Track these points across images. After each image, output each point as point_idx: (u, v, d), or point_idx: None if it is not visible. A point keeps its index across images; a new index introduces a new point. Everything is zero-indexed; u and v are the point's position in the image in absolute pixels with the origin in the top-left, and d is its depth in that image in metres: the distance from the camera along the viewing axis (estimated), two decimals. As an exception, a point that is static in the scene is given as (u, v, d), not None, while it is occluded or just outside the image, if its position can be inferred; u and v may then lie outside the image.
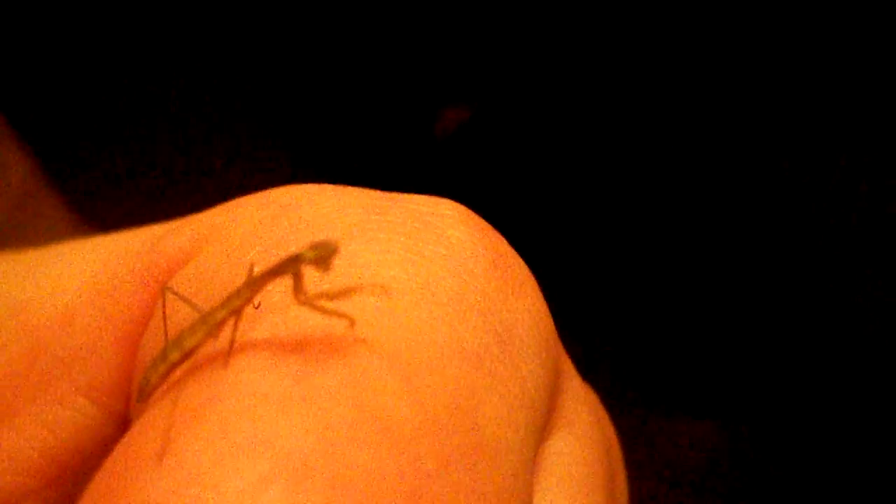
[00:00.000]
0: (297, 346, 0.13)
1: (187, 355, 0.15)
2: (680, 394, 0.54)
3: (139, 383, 0.15)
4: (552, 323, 0.19)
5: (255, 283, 0.15)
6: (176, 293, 0.17)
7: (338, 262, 0.14)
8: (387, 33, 0.54)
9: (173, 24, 0.53)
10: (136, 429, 0.14)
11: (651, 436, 0.54)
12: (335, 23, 0.53)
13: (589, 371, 0.24)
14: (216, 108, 0.58)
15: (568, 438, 0.19)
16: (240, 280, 0.15)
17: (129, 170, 0.61)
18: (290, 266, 0.15)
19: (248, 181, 0.63)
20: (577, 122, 0.53)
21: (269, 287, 0.15)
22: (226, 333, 0.15)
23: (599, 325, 0.55)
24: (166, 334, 0.17)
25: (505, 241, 0.18)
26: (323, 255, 0.14)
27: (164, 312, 0.18)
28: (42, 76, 0.57)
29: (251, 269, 0.15)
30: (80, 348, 0.20)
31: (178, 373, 0.15)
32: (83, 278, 0.22)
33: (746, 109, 0.49)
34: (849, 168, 0.49)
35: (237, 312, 0.15)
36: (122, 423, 0.20)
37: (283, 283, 0.15)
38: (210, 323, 0.15)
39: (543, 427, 0.17)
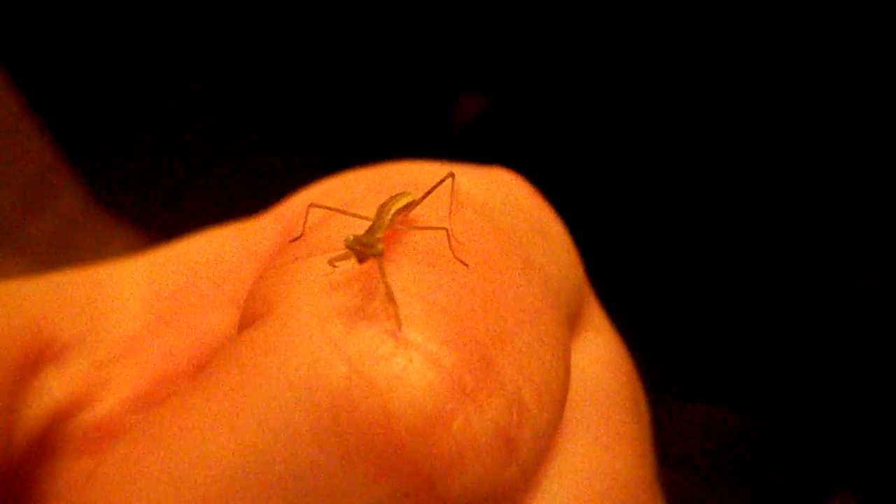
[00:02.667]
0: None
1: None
2: (696, 380, 0.54)
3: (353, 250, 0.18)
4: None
5: (391, 203, 0.20)
6: (320, 206, 0.20)
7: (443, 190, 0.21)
8: (407, 23, 0.55)
9: (190, 18, 0.56)
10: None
11: (667, 421, 0.50)
12: (356, 12, 0.55)
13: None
14: (238, 102, 0.59)
15: (598, 338, 0.22)
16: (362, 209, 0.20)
17: (141, 154, 0.61)
18: (402, 199, 0.20)
19: (269, 168, 0.63)
20: (596, 110, 0.55)
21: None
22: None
23: (616, 311, 0.51)
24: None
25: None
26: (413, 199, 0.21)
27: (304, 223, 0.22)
28: (63, 64, 0.59)
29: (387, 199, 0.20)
30: (230, 272, 0.25)
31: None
32: (233, 230, 0.27)
33: (767, 91, 0.49)
34: (857, 164, 0.49)
35: (403, 212, 0.20)
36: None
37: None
38: (381, 222, 0.19)
39: (577, 315, 0.22)
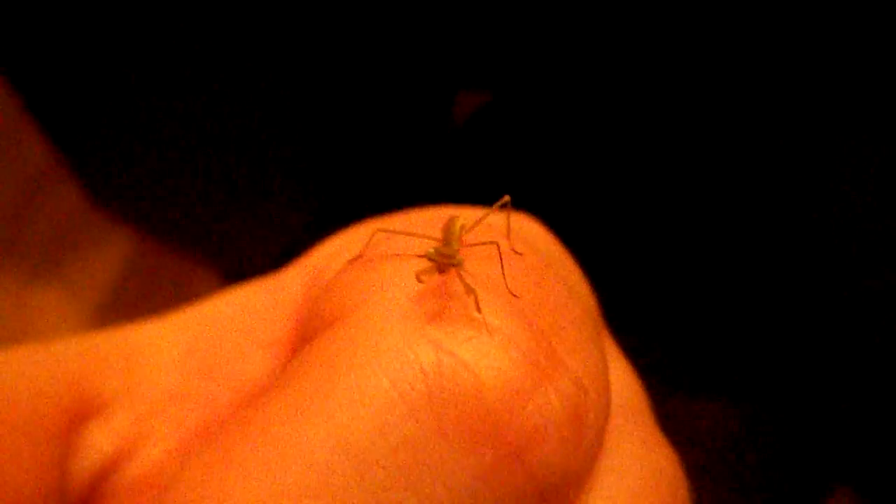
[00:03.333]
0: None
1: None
2: (698, 375, 0.54)
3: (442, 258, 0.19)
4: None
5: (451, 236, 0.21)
6: (388, 230, 0.21)
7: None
8: (406, 18, 0.55)
9: (185, 16, 0.56)
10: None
11: (669, 417, 0.49)
12: (353, 7, 0.55)
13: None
14: (235, 100, 0.59)
15: (614, 363, 0.22)
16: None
17: (139, 153, 0.61)
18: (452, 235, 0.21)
19: (268, 167, 0.62)
20: (595, 106, 0.55)
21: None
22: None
23: (618, 308, 0.51)
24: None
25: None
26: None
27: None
28: (61, 64, 0.59)
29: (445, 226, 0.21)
30: (260, 321, 0.25)
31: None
32: (258, 284, 0.29)
33: (768, 86, 0.49)
34: (852, 160, 0.49)
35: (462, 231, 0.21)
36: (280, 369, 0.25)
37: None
38: (453, 236, 0.20)
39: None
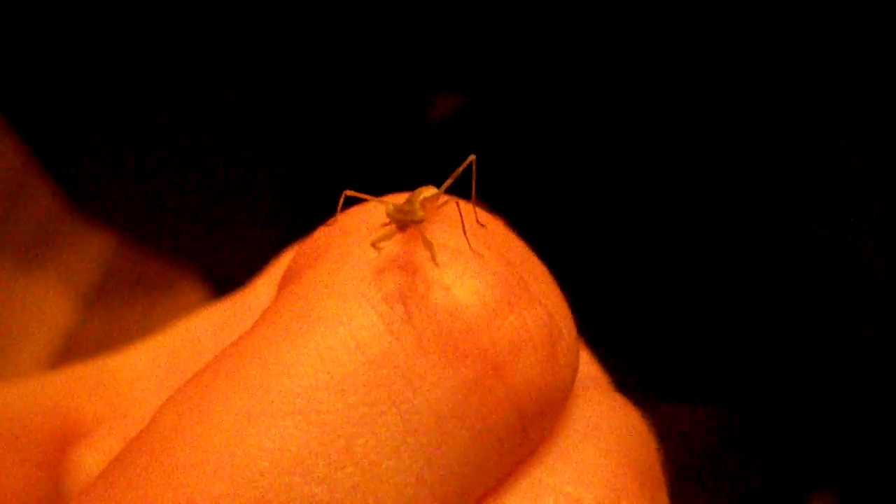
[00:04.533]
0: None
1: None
2: (675, 379, 0.54)
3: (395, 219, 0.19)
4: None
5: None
6: (355, 193, 0.20)
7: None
8: (381, 20, 0.55)
9: (161, 16, 0.56)
10: None
11: (653, 422, 0.49)
12: (329, 9, 0.55)
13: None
14: (208, 98, 0.58)
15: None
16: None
17: (117, 156, 0.61)
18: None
19: (243, 166, 0.62)
20: (571, 109, 0.54)
21: None
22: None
23: (599, 313, 0.51)
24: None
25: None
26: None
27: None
28: (37, 66, 0.59)
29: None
30: (233, 334, 0.24)
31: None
32: (230, 300, 0.29)
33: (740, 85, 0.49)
34: (846, 162, 0.49)
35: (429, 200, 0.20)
36: None
37: None
38: (416, 196, 0.20)
39: None
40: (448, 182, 0.21)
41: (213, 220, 0.65)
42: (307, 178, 0.61)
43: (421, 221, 0.19)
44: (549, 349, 0.18)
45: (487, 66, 0.56)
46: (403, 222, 0.19)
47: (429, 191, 0.21)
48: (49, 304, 0.70)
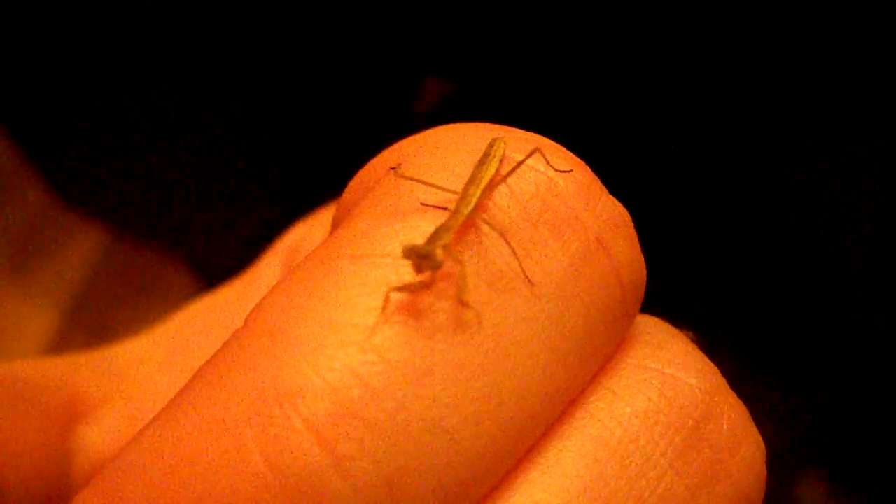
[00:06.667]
0: None
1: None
2: None
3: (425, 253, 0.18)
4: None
5: (483, 168, 0.20)
6: (402, 175, 0.20)
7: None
8: (370, 6, 0.55)
9: (147, 9, 0.55)
10: None
11: None
12: None
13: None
14: (197, 90, 0.58)
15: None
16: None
17: (105, 150, 0.61)
18: (496, 154, 0.21)
19: (227, 161, 0.62)
20: (560, 98, 0.54)
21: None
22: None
23: None
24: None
25: None
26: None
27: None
28: (27, 62, 0.59)
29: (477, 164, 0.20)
30: (241, 313, 0.24)
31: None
32: (236, 282, 0.30)
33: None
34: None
35: (490, 188, 0.20)
36: None
37: None
38: (469, 198, 0.19)
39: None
40: (514, 169, 0.21)
41: (203, 212, 0.65)
42: (296, 168, 0.61)
43: (439, 267, 0.18)
44: (634, 235, 0.20)
45: (478, 53, 0.56)
46: (420, 266, 0.18)
47: (488, 169, 0.20)
48: (38, 301, 0.70)
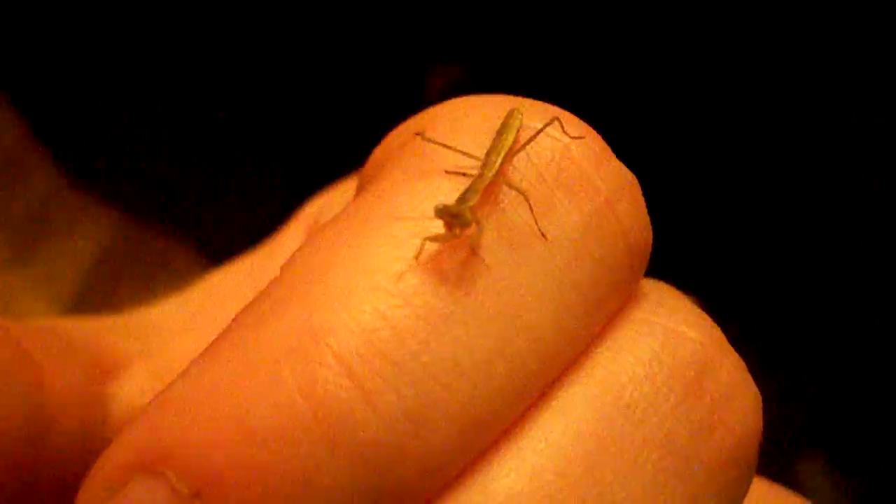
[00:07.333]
0: None
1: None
2: None
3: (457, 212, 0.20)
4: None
5: (504, 134, 0.21)
6: (429, 139, 0.21)
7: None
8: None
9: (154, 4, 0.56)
10: None
11: None
12: None
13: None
14: (207, 76, 0.59)
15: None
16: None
17: (118, 133, 0.61)
18: (514, 124, 0.22)
19: (238, 143, 0.62)
20: (567, 84, 0.54)
21: None
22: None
23: None
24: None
25: None
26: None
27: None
28: (38, 46, 0.59)
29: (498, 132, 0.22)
30: (268, 276, 0.25)
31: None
32: (259, 249, 0.31)
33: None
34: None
35: (510, 154, 0.21)
36: None
37: None
38: (492, 164, 0.21)
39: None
40: (533, 137, 0.22)
41: (212, 195, 0.65)
42: (305, 157, 0.61)
43: (469, 226, 0.20)
44: (642, 199, 0.22)
45: (487, 38, 0.56)
46: (451, 225, 0.19)
47: (507, 137, 0.22)
48: (47, 282, 0.70)
